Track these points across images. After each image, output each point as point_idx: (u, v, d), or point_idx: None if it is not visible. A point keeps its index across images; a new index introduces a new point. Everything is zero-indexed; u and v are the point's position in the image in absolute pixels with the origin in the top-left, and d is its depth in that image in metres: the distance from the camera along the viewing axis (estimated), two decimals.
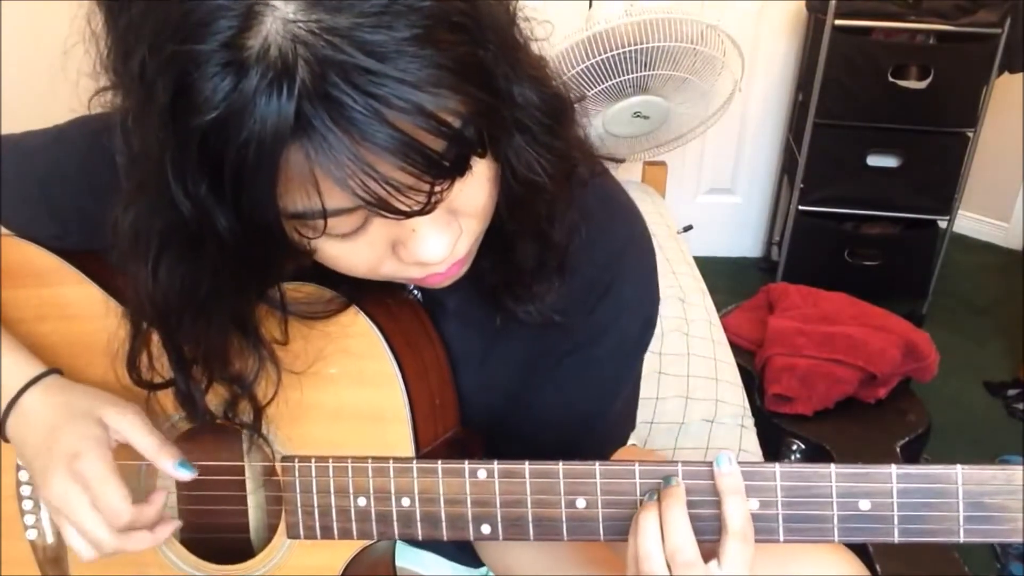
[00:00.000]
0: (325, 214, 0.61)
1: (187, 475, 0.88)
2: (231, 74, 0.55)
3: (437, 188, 0.61)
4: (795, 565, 0.93)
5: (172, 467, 0.88)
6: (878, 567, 1.82)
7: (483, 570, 1.21)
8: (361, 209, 0.63)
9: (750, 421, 1.79)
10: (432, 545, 1.18)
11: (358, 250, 0.69)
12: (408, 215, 0.61)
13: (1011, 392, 2.84)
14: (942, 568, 1.91)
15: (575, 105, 0.76)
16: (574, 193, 0.79)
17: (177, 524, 0.93)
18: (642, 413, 2.09)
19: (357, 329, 0.86)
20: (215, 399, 0.84)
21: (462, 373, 0.94)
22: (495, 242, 0.78)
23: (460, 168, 0.62)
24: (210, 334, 0.75)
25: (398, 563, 1.05)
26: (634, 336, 0.95)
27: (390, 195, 0.59)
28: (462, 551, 1.17)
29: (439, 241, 0.67)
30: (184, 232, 0.64)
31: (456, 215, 0.69)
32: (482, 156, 0.65)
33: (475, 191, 0.68)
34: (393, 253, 0.70)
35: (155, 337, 0.80)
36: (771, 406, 2.36)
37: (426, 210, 0.62)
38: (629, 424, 1.09)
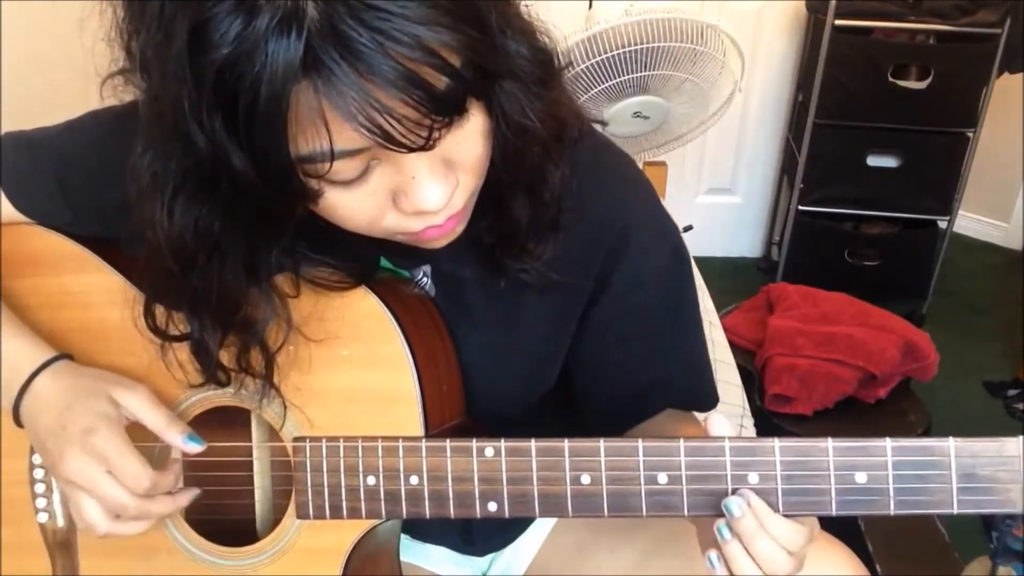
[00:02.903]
0: (332, 153, 0.64)
1: (196, 448, 0.90)
2: (243, 14, 0.59)
3: (437, 124, 0.64)
4: None
5: (181, 440, 0.90)
6: (878, 567, 1.82)
7: (487, 559, 1.22)
8: (365, 153, 0.66)
9: (750, 421, 1.79)
10: (438, 536, 1.19)
11: (360, 199, 0.72)
12: (410, 149, 0.65)
13: (1011, 392, 2.84)
14: (942, 568, 1.91)
15: (561, 72, 0.80)
16: (565, 151, 0.82)
17: (196, 492, 0.95)
18: None
19: (369, 311, 0.87)
20: (227, 359, 0.86)
21: (493, 339, 0.96)
22: (490, 201, 0.81)
23: (458, 106, 0.66)
24: (223, 276, 0.77)
25: (404, 558, 1.06)
26: (668, 267, 0.97)
27: (393, 128, 0.62)
28: (467, 541, 1.17)
29: (437, 189, 0.71)
30: (199, 172, 0.68)
31: (452, 167, 0.72)
32: (478, 98, 0.68)
33: (470, 143, 0.72)
34: (394, 205, 0.73)
35: None
36: (771, 406, 2.37)
37: (427, 146, 0.65)
38: (709, 380, 1.07)
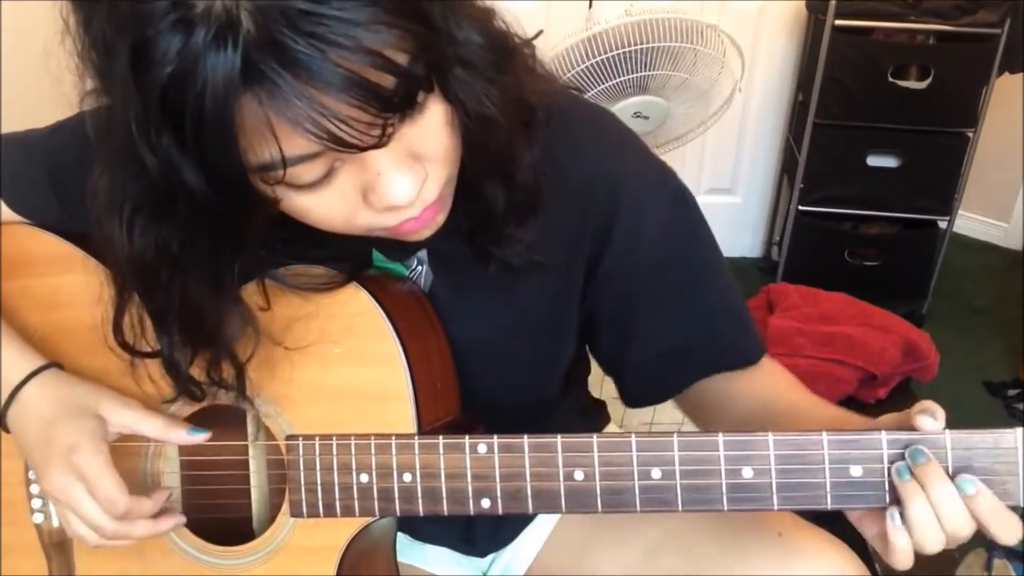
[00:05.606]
0: (285, 161, 0.64)
1: (201, 436, 0.91)
2: (180, 31, 0.59)
3: (389, 121, 0.64)
4: (795, 564, 0.94)
5: (185, 435, 0.91)
6: (878, 567, 1.81)
7: (488, 559, 1.21)
8: (323, 156, 0.66)
9: None
10: (439, 537, 1.19)
11: (330, 201, 0.71)
12: (363, 149, 0.64)
13: (1011, 392, 2.83)
14: (942, 568, 1.91)
15: (530, 46, 0.79)
16: (536, 133, 0.81)
17: (180, 520, 0.95)
18: (641, 414, 2.09)
19: (360, 308, 0.87)
20: (200, 373, 0.86)
21: (498, 314, 0.95)
22: (464, 188, 0.81)
23: (408, 102, 0.65)
24: (187, 292, 0.77)
25: (404, 560, 1.06)
26: (670, 215, 0.95)
27: (342, 131, 0.62)
28: (468, 542, 1.17)
29: (404, 182, 0.70)
30: (155, 190, 0.68)
31: (420, 159, 0.72)
32: (428, 91, 0.67)
33: (433, 135, 0.71)
34: (365, 203, 0.72)
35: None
36: None
37: (381, 144, 0.64)
38: (747, 327, 1.03)
